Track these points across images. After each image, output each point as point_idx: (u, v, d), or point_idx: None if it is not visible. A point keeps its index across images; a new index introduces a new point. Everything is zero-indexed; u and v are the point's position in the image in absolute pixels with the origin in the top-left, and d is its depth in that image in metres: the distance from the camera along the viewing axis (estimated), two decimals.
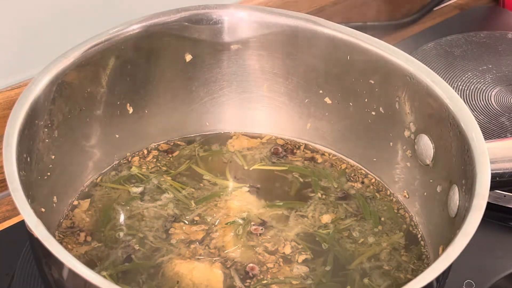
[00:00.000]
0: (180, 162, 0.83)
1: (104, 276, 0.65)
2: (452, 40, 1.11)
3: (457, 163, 0.69)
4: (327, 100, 0.83)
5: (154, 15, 0.78)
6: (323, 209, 0.78)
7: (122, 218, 0.76)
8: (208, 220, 0.76)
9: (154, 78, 0.81)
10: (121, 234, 0.74)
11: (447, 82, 0.73)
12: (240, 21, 0.81)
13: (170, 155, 0.83)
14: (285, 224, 0.77)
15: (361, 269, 0.73)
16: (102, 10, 0.89)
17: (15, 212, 0.85)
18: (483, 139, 0.67)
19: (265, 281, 0.71)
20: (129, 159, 0.82)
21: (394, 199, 0.80)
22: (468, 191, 0.64)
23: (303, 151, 0.85)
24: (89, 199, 0.77)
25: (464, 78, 1.04)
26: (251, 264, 0.72)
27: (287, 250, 0.74)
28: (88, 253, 0.72)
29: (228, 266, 0.72)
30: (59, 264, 0.56)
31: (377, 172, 0.82)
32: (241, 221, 0.76)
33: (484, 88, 1.03)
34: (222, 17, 0.80)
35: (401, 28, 1.20)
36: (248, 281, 0.71)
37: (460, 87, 1.02)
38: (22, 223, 0.61)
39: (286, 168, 0.83)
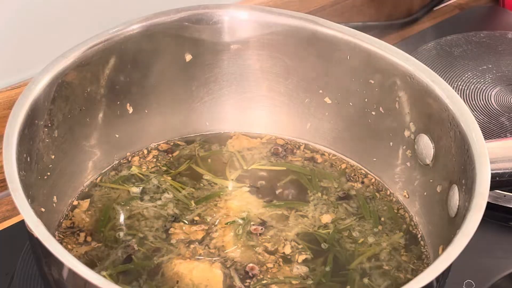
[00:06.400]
0: (180, 162, 0.83)
1: (104, 276, 0.64)
2: (452, 40, 1.11)
3: (457, 163, 0.69)
4: (327, 100, 0.83)
5: (154, 15, 0.78)
6: (323, 209, 0.78)
7: (122, 218, 0.76)
8: (208, 220, 0.76)
9: (154, 78, 0.81)
10: (121, 234, 0.74)
11: (447, 82, 0.73)
12: (240, 21, 0.81)
13: (170, 155, 0.83)
14: (285, 224, 0.76)
15: (361, 269, 0.72)
16: (102, 10, 0.89)
17: (15, 212, 0.85)
18: (483, 139, 0.67)
19: (265, 281, 0.71)
20: (129, 159, 0.82)
21: (394, 199, 0.80)
22: (468, 191, 0.64)
23: (303, 151, 0.85)
24: (89, 199, 0.77)
25: (464, 78, 1.04)
26: (251, 264, 0.72)
27: (287, 250, 0.74)
28: (88, 253, 0.72)
29: (228, 266, 0.72)
30: (59, 264, 0.56)
31: (377, 172, 0.82)
32: (241, 221, 0.76)
33: (484, 88, 1.03)
34: (222, 17, 0.80)
35: (401, 28, 1.20)
36: (248, 281, 0.71)
37: (460, 87, 1.02)
38: (22, 223, 0.61)
39: (286, 168, 0.83)
